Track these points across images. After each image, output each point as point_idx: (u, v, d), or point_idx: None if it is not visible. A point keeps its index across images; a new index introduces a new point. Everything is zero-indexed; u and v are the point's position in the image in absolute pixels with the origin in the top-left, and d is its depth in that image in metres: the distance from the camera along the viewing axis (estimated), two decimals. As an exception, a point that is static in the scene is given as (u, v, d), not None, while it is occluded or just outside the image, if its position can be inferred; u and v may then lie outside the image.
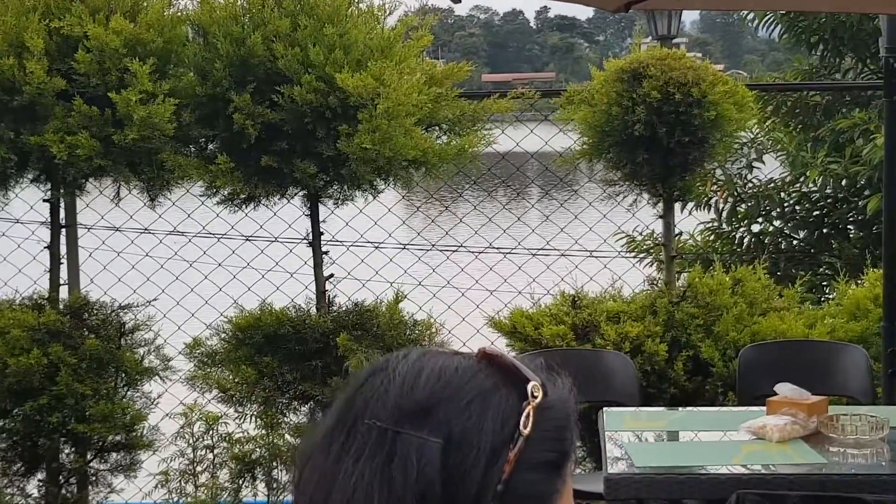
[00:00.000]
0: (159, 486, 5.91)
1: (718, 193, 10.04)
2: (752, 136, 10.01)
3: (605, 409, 4.43)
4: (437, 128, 5.98)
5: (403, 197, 6.85)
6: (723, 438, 4.24)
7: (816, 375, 4.91)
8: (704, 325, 5.75)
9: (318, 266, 6.03)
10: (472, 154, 6.07)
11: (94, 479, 5.82)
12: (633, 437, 4.15)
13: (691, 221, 9.63)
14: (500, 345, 5.81)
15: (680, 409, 5.25)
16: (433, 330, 5.99)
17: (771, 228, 10.30)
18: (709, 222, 10.20)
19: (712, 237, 10.15)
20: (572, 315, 5.81)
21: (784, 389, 4.17)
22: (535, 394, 0.93)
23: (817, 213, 10.28)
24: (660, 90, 5.62)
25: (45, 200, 5.90)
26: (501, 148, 6.76)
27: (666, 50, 6.14)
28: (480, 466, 0.91)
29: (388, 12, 5.88)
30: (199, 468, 5.99)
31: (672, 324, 5.78)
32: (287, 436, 5.71)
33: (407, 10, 6.08)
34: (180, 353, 5.96)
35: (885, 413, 4.21)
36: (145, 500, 6.10)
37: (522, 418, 0.92)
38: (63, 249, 5.92)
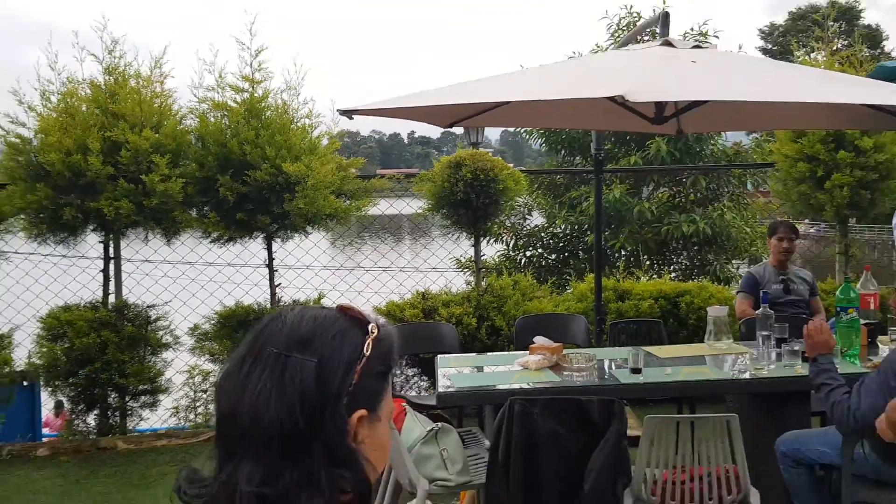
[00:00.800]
0: (172, 415, 6.45)
1: (506, 233, 10.96)
2: (525, 201, 10.83)
3: (439, 356, 4.68)
4: (343, 195, 6.38)
5: (324, 237, 7.04)
6: (505, 370, 4.25)
7: (559, 332, 5.10)
8: (497, 307, 6.39)
9: (271, 279, 6.43)
10: (365, 212, 6.63)
11: (129, 412, 6.24)
12: (455, 371, 4.30)
13: (492, 249, 10.17)
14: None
15: (482, 355, 5.19)
16: (340, 315, 6.61)
17: (537, 253, 11.25)
18: (501, 250, 11.10)
19: (504, 258, 11.05)
20: (422, 304, 6.40)
21: (539, 340, 4.39)
22: (373, 331, 1.10)
23: (562, 244, 11.30)
24: (471, 173, 6.31)
25: (100, 242, 6.22)
26: (385, 210, 7.26)
27: (475, 150, 6.80)
28: (340, 375, 1.05)
29: (314, 127, 6.36)
30: (197, 404, 6.45)
31: (479, 307, 6.38)
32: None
33: (328, 126, 6.45)
34: (186, 333, 6.35)
35: (594, 352, 4.55)
36: (164, 425, 6.48)
37: (365, 346, 1.08)
38: (111, 272, 6.22)
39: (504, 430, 3.53)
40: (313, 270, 7.07)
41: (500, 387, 3.92)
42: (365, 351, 1.08)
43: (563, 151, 11.80)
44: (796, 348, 4.17)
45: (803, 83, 3.77)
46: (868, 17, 43.56)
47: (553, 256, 11.13)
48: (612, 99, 3.77)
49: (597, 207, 6.57)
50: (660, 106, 4.25)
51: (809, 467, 3.68)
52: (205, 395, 6.41)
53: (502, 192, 6.47)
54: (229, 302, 6.48)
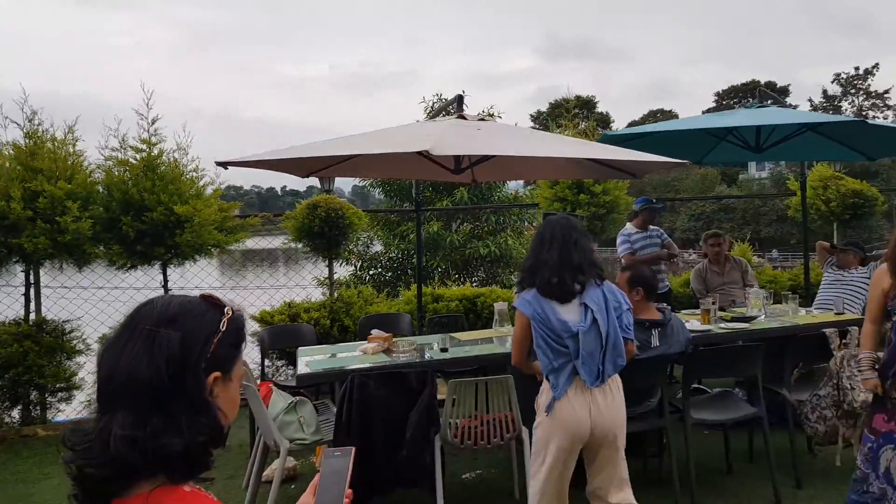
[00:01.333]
0: (85, 407, 5.84)
1: (354, 258, 11.00)
2: (368, 234, 10.83)
3: (300, 348, 4.55)
4: (225, 231, 6.05)
5: (209, 263, 6.61)
6: (350, 355, 4.12)
7: (391, 326, 5.04)
8: (346, 311, 6.15)
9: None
10: (242, 243, 6.33)
11: (49, 406, 5.80)
12: (312, 358, 4.08)
13: (345, 270, 10.03)
14: (255, 327, 5.90)
15: (334, 345, 4.82)
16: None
17: (378, 272, 11.16)
18: (351, 271, 11.02)
19: (353, 277, 10.94)
20: (288, 310, 6.16)
21: (375, 332, 4.31)
22: (228, 312, 1.09)
23: (395, 265, 11.29)
24: (325, 212, 6.14)
25: (22, 271, 5.82)
26: (259, 243, 7.00)
27: (328, 195, 6.55)
28: (200, 344, 1.04)
29: (199, 178, 5.97)
30: (106, 398, 6.08)
31: (332, 311, 6.06)
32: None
33: (212, 177, 6.05)
34: (96, 341, 5.92)
35: (416, 339, 4.56)
36: (79, 415, 5.92)
37: (222, 323, 1.07)
38: (32, 295, 5.79)
39: (346, 398, 3.53)
40: (201, 290, 6.49)
41: (346, 367, 3.81)
42: (221, 327, 1.07)
43: (395, 197, 11.83)
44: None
45: (555, 145, 3.98)
46: (600, 107, 47.40)
47: (389, 274, 11.16)
48: (421, 153, 3.98)
49: (418, 237, 6.67)
50: (457, 160, 4.38)
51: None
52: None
53: (348, 226, 6.38)
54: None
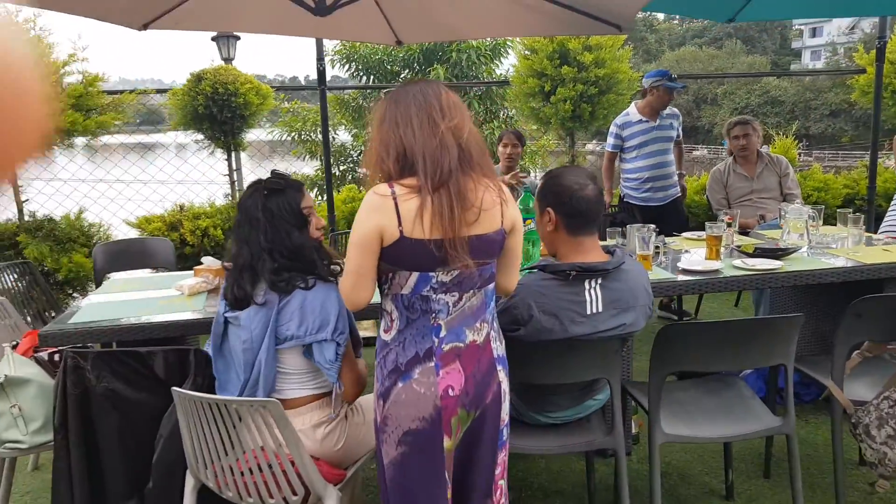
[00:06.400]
0: None
1: (319, 149, 9.11)
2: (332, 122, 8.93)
3: (112, 277, 3.24)
4: (92, 111, 4.51)
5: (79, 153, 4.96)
6: (154, 295, 2.71)
7: None
8: None
9: (16, 194, 4.64)
10: (119, 127, 4.72)
11: None
12: (107, 299, 2.70)
13: (310, 167, 8.19)
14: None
15: (155, 275, 3.27)
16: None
17: (349, 167, 9.17)
18: (318, 167, 8.90)
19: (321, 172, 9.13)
20: (173, 217, 4.75)
21: (207, 261, 2.86)
22: None
23: None
24: (211, 87, 4.61)
25: None
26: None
27: (220, 64, 4.99)
28: None
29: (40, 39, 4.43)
30: None
31: (230, 218, 4.66)
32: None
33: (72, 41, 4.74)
34: None
35: None
36: None
37: None
38: None
39: (60, 388, 2.03)
40: (72, 185, 5.02)
41: (105, 325, 2.32)
42: None
43: (359, 71, 9.59)
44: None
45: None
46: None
47: (362, 170, 9.28)
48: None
49: (322, 117, 4.73)
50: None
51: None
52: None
53: (244, 105, 4.73)
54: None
